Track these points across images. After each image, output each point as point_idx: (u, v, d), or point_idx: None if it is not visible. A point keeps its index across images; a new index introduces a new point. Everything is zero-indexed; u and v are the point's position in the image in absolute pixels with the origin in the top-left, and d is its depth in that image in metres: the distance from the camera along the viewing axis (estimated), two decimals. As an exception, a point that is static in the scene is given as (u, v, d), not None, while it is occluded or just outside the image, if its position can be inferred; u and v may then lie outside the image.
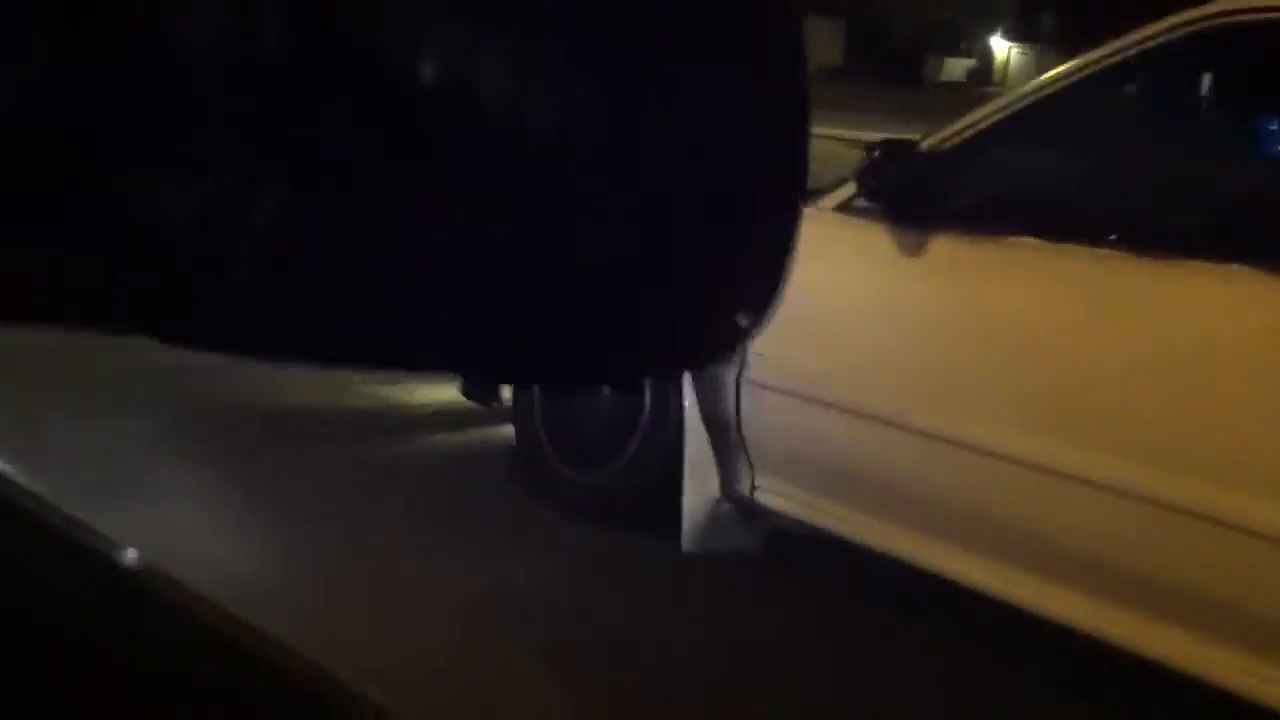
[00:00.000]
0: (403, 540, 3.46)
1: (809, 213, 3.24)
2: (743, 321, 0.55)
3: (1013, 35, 49.62)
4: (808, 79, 0.55)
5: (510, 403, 4.00)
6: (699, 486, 3.40)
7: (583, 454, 3.69)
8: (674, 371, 0.79)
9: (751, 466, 3.30)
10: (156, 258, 0.45)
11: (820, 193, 3.31)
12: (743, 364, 3.24)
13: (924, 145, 3.07)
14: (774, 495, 3.27)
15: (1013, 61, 49.37)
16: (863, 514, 3.09)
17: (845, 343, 3.13)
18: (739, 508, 3.36)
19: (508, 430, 4.06)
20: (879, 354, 3.07)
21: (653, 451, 3.51)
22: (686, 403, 3.38)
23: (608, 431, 3.62)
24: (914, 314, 3.04)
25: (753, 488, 3.30)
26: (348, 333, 0.49)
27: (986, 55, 50.76)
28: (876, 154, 3.06)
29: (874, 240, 3.06)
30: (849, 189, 3.19)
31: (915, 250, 3.01)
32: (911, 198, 3.02)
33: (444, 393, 4.52)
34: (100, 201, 0.44)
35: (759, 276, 0.56)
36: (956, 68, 51.57)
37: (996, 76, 47.62)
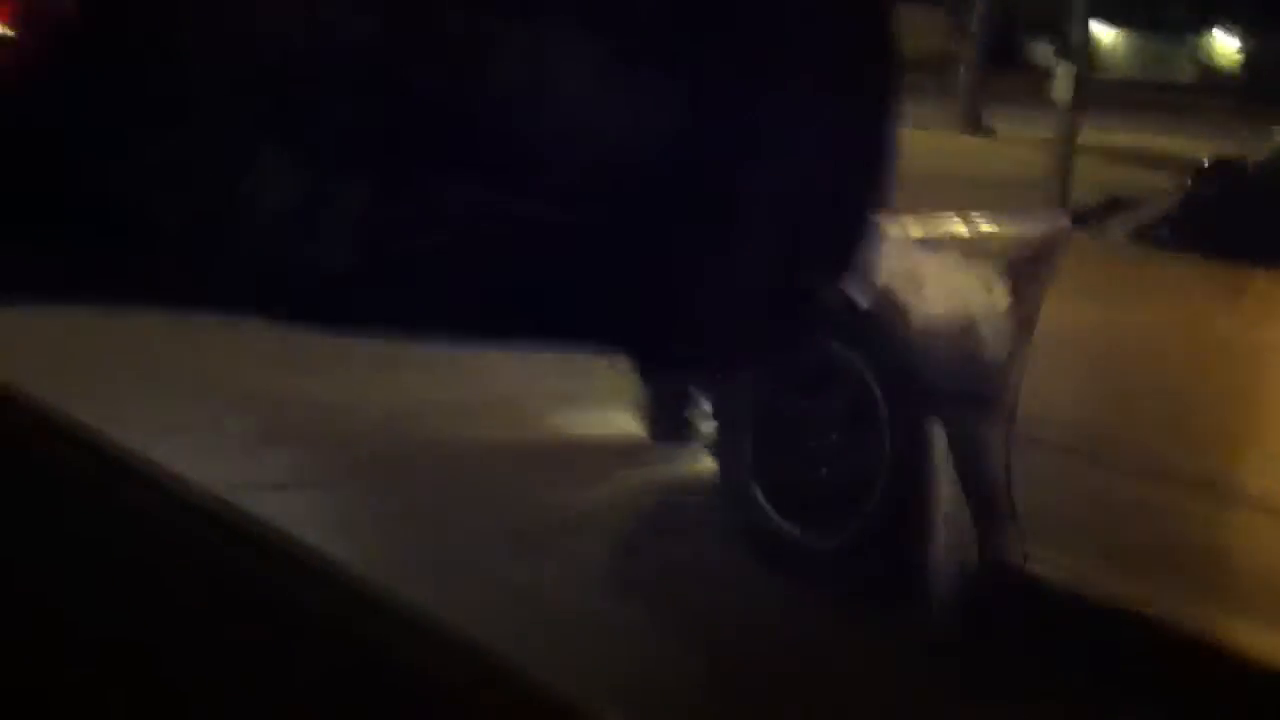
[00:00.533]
0: (586, 614, 3.03)
1: (1099, 244, 2.79)
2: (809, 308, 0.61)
3: (1109, 18, 48.24)
4: (891, 85, 0.57)
5: (706, 440, 3.55)
6: (952, 554, 2.92)
7: (806, 509, 3.21)
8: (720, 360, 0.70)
9: (1022, 533, 2.82)
10: (170, 247, 0.50)
11: (1090, 216, 2.86)
12: (1011, 417, 2.77)
13: (1256, 164, 2.60)
14: (1052, 566, 2.79)
15: (1108, 45, 48.26)
16: (1173, 592, 2.60)
17: (1150, 396, 2.66)
18: (1003, 580, 2.88)
19: (682, 470, 3.64)
20: (1195, 410, 2.58)
21: (893, 512, 3.04)
22: (937, 458, 2.91)
23: (837, 485, 3.15)
24: (1242, 365, 2.55)
25: (1024, 557, 2.82)
26: (347, 308, 0.53)
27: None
28: (1201, 175, 2.59)
29: (1187, 276, 2.60)
30: (1149, 215, 2.74)
31: (1244, 289, 2.53)
32: (1241, 226, 2.55)
33: (618, 424, 4.08)
34: (118, 197, 0.48)
35: (824, 268, 0.61)
36: (1049, 52, 50.41)
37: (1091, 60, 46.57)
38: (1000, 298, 2.83)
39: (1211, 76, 35.97)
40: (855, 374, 3.04)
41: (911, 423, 2.95)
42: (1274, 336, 2.52)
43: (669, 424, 3.68)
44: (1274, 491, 2.45)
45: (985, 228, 2.95)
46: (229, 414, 4.04)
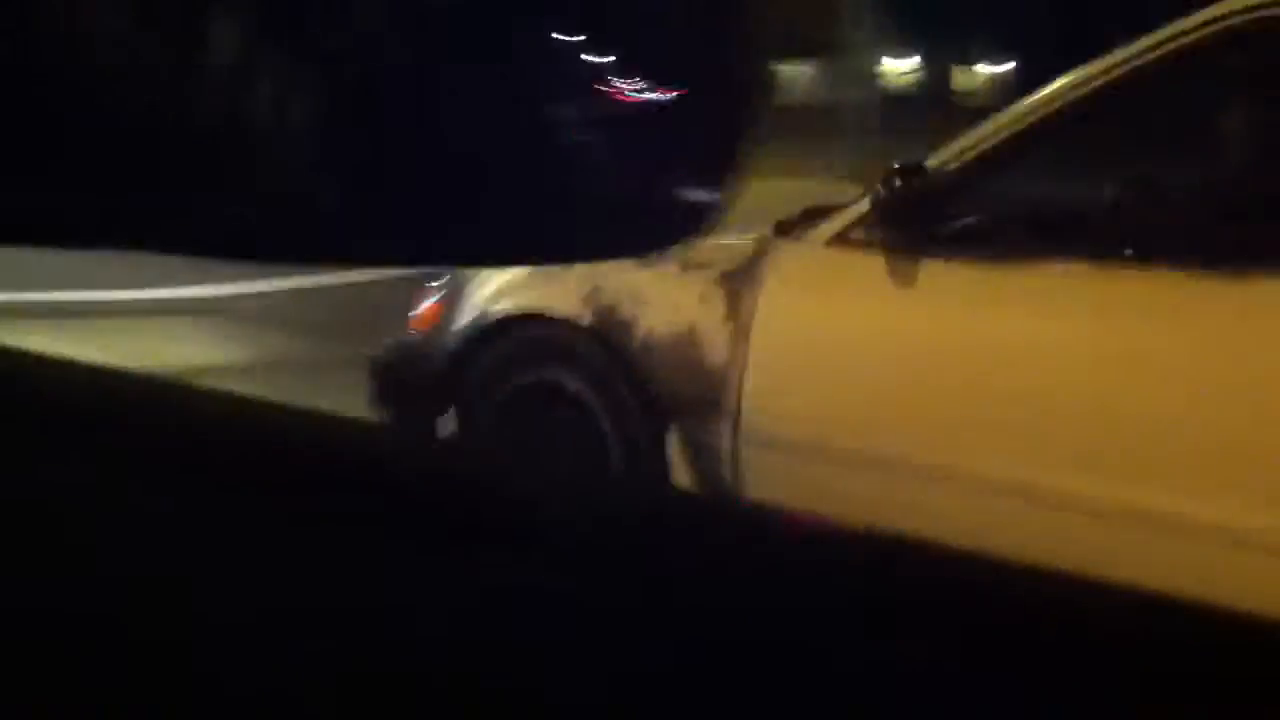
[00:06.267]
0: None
1: (801, 248, 2.89)
2: (699, 198, 0.59)
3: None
4: None
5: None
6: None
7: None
8: (636, 250, 0.70)
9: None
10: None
11: (792, 226, 2.97)
12: (737, 417, 2.85)
13: (933, 167, 2.75)
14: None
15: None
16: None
17: (854, 387, 2.78)
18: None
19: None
20: (894, 396, 2.73)
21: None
22: (670, 460, 2.97)
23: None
24: (926, 352, 2.69)
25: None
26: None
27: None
28: (888, 180, 2.73)
29: (877, 272, 2.76)
30: (843, 220, 2.86)
31: (924, 280, 2.71)
32: (919, 224, 2.71)
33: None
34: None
35: (712, 156, 0.59)
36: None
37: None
38: (716, 307, 2.90)
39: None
40: (575, 395, 3.09)
41: (637, 434, 3.01)
42: (949, 320, 2.69)
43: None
44: (979, 466, 2.56)
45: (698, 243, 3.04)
46: None
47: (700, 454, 2.92)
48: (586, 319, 3.06)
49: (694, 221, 0.58)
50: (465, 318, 3.27)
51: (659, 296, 2.99)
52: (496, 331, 3.21)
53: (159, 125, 0.49)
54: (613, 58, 0.54)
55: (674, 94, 0.55)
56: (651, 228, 0.60)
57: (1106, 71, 2.68)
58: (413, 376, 3.36)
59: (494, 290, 3.24)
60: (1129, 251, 2.53)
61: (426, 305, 3.39)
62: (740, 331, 2.87)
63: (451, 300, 3.31)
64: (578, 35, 0.53)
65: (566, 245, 0.60)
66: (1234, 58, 2.73)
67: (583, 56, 0.53)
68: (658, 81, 0.55)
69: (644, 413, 3.00)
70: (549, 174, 0.54)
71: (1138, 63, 2.65)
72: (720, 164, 0.57)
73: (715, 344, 2.90)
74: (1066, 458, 2.53)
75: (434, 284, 3.39)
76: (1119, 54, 2.69)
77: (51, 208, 0.51)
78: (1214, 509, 2.36)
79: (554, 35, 0.53)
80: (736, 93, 0.58)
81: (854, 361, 2.79)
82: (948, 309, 2.70)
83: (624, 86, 0.54)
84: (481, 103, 0.52)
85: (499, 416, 3.18)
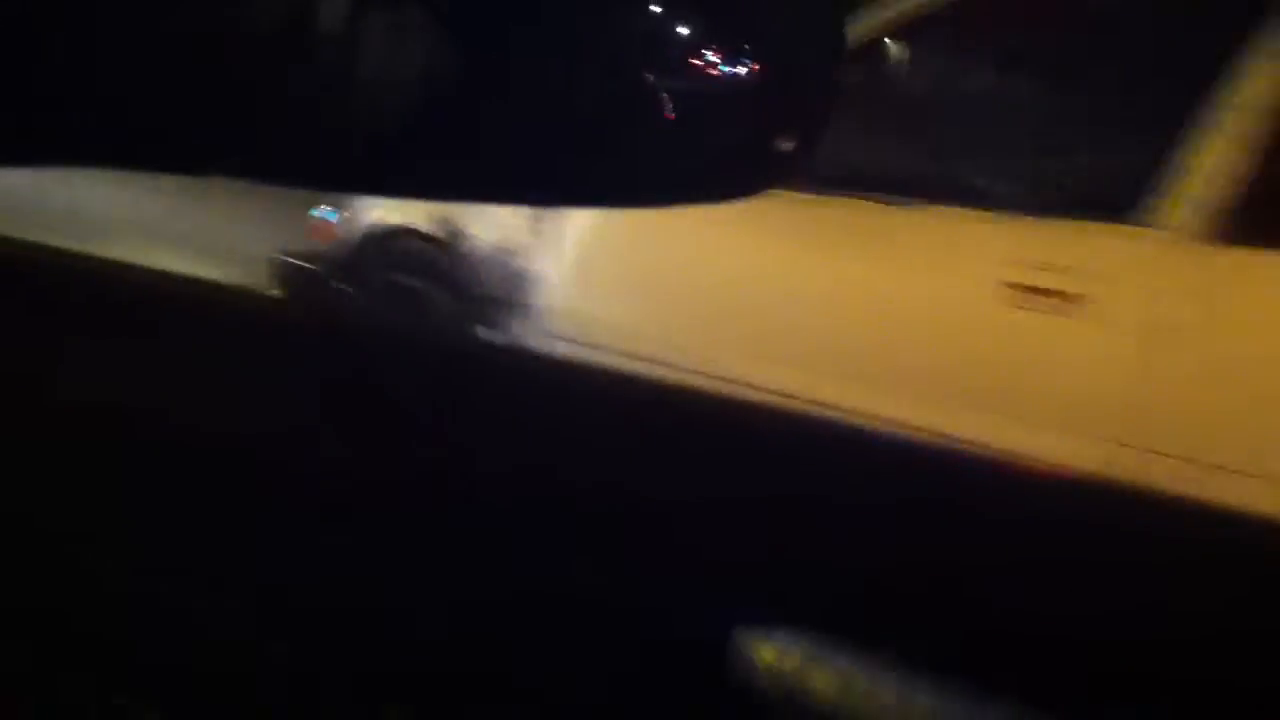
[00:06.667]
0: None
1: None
2: (782, 152, 0.64)
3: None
4: None
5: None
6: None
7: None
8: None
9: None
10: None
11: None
12: (537, 318, 3.32)
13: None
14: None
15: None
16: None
17: (640, 296, 3.24)
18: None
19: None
20: (683, 307, 3.16)
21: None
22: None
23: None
24: (701, 267, 3.14)
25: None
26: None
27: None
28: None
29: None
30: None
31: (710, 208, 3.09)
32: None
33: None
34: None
35: (794, 118, 0.64)
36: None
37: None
38: (536, 224, 3.39)
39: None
40: (423, 292, 3.61)
41: (464, 326, 3.52)
42: (721, 244, 3.13)
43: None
44: (748, 372, 2.97)
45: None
46: None
47: (511, 345, 3.40)
48: (438, 232, 3.58)
49: (775, 173, 0.66)
50: (357, 232, 3.83)
51: (492, 214, 3.48)
52: (376, 241, 3.77)
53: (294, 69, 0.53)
54: (704, 34, 0.60)
55: (759, 69, 0.61)
56: (738, 177, 0.67)
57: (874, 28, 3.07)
58: (312, 274, 3.93)
59: (378, 211, 3.79)
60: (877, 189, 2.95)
61: (325, 223, 3.95)
62: (553, 245, 3.33)
63: (348, 220, 3.87)
64: (673, 14, 0.59)
65: (667, 192, 0.69)
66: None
67: (677, 32, 0.60)
68: (745, 58, 0.61)
69: (472, 309, 3.51)
70: (651, 134, 0.60)
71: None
72: (801, 125, 0.64)
73: (533, 255, 3.38)
74: (799, 360, 2.95)
75: (327, 208, 3.95)
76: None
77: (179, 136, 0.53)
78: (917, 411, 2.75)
79: (652, 8, 0.60)
80: (817, 68, 0.66)
81: (645, 275, 3.24)
82: (719, 234, 3.13)
83: (714, 61, 0.60)
84: (593, 73, 0.58)
85: (374, 305, 3.74)
